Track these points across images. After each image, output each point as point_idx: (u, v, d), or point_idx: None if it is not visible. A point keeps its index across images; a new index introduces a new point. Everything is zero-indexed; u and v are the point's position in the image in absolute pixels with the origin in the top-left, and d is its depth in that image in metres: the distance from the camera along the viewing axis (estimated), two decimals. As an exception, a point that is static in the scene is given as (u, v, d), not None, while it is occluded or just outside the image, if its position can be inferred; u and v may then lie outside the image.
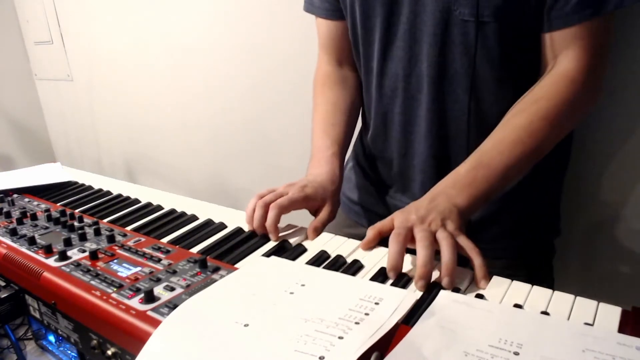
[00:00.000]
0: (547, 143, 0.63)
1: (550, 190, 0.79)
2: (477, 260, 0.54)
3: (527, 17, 0.62)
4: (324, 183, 0.73)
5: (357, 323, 0.44)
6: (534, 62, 0.66)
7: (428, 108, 0.71)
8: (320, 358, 0.39)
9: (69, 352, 0.64)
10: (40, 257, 0.63)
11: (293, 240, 0.66)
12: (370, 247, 0.62)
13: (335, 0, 0.78)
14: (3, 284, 0.66)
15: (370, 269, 0.58)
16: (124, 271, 0.59)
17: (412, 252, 0.57)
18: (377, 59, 0.74)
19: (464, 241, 0.56)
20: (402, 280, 0.54)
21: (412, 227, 0.57)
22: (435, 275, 0.55)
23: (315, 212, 0.73)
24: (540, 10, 0.62)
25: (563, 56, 0.62)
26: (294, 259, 0.61)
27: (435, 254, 0.54)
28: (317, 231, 0.69)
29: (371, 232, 0.61)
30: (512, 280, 0.53)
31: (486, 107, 0.68)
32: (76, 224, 0.74)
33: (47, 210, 0.81)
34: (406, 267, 0.57)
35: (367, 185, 0.87)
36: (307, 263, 0.59)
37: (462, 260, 0.54)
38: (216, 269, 0.57)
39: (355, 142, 0.90)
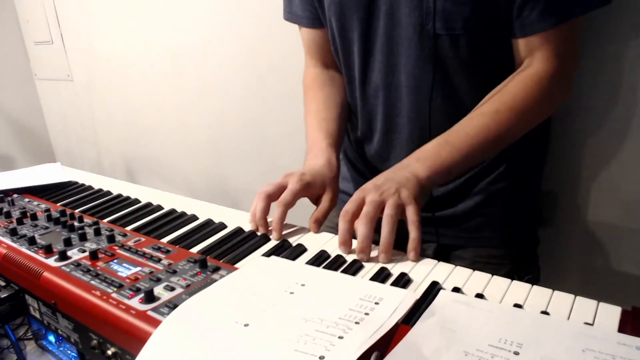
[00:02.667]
0: (512, 133, 0.67)
1: (531, 182, 0.82)
2: (412, 233, 0.57)
3: (497, 27, 0.66)
4: (321, 170, 0.74)
5: (357, 323, 0.44)
6: (509, 67, 0.69)
7: (408, 116, 0.74)
8: (320, 358, 0.39)
9: (69, 352, 0.64)
10: (40, 257, 0.63)
11: (293, 240, 0.66)
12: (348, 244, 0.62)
13: (315, 9, 0.80)
14: (3, 284, 0.66)
15: (370, 269, 0.58)
16: (124, 271, 0.59)
17: (400, 245, 0.59)
18: (357, 69, 0.77)
19: (410, 211, 0.58)
20: (402, 280, 0.54)
21: (364, 198, 0.60)
22: (427, 273, 0.55)
23: (316, 201, 0.74)
24: (509, 20, 0.65)
25: (533, 57, 0.66)
26: (294, 258, 0.61)
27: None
28: (319, 222, 0.69)
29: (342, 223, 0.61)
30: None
31: (463, 113, 0.70)
32: (76, 224, 0.74)
33: (47, 210, 0.81)
34: (405, 267, 0.57)
35: (355, 177, 0.89)
36: (307, 263, 0.59)
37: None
38: (216, 269, 0.57)
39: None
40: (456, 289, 0.52)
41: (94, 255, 0.62)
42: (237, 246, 0.65)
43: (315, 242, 0.66)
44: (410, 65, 0.70)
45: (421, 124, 0.74)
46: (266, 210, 0.68)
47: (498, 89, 0.67)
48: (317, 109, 0.83)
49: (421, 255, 0.59)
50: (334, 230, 0.70)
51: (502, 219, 0.79)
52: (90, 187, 0.94)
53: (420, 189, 0.61)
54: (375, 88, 0.76)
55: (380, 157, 0.81)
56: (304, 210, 0.73)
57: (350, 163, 0.90)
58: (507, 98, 0.66)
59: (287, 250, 0.63)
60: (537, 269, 0.83)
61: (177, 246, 0.65)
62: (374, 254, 0.59)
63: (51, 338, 0.66)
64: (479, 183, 0.76)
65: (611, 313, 0.46)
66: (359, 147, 0.86)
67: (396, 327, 0.44)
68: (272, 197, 0.68)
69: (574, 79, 0.69)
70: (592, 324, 0.44)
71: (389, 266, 0.57)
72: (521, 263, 0.78)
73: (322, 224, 0.70)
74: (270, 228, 0.68)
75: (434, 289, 0.52)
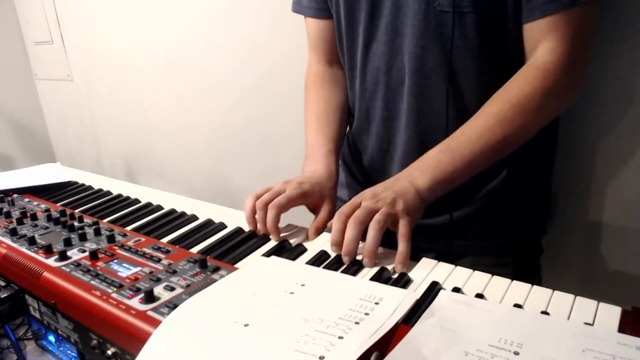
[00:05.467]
0: (518, 132, 0.63)
1: (537, 189, 0.79)
2: (401, 246, 0.57)
3: (506, 7, 0.63)
4: (320, 179, 0.73)
5: (357, 323, 0.44)
6: (514, 54, 0.66)
7: (408, 101, 0.72)
8: (320, 358, 0.39)
9: (69, 352, 0.64)
10: (40, 257, 0.63)
11: (293, 240, 0.66)
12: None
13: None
14: (3, 284, 0.66)
15: (371, 268, 0.58)
16: (124, 271, 0.59)
17: (393, 245, 0.59)
18: (360, 53, 0.75)
19: (401, 224, 0.58)
20: (402, 280, 0.54)
21: (360, 203, 0.59)
22: (427, 274, 0.55)
23: (314, 209, 0.73)
24: (519, 1, 0.62)
25: (540, 48, 0.63)
26: (294, 259, 0.61)
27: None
28: (319, 231, 0.69)
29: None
30: (500, 277, 0.54)
31: (466, 101, 0.68)
32: (76, 224, 0.74)
33: (47, 210, 0.81)
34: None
35: (353, 183, 0.88)
36: (307, 263, 0.59)
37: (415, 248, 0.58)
38: (216, 269, 0.57)
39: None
40: (456, 289, 0.52)
41: (94, 255, 0.62)
42: (237, 246, 0.65)
43: (316, 242, 0.66)
44: (413, 45, 0.67)
45: (421, 109, 0.71)
46: (255, 211, 0.68)
47: (503, 86, 0.64)
48: (318, 110, 0.83)
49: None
50: None
51: (504, 227, 0.76)
52: (90, 187, 0.94)
53: (419, 200, 0.60)
54: (376, 73, 0.74)
55: (380, 148, 0.79)
56: (305, 211, 0.73)
57: (347, 168, 0.88)
58: (511, 95, 0.62)
59: (287, 251, 0.63)
60: (539, 279, 0.80)
61: (177, 246, 0.65)
62: (360, 257, 0.59)
63: (51, 338, 0.66)
64: (481, 188, 0.73)
65: (611, 313, 0.46)
66: (356, 143, 0.84)
67: (396, 327, 0.44)
68: (265, 200, 0.68)
69: (586, 74, 0.65)
70: (592, 324, 0.44)
71: (389, 266, 0.57)
72: (522, 273, 0.75)
73: (321, 233, 0.69)
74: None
75: (434, 289, 0.52)
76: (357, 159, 0.85)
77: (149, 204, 0.82)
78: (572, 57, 0.62)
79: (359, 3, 0.71)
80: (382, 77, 0.73)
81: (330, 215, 0.73)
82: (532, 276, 0.79)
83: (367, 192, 0.61)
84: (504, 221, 0.76)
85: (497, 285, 0.52)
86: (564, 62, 0.62)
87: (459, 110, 0.69)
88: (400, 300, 0.47)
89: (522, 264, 0.77)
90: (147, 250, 0.64)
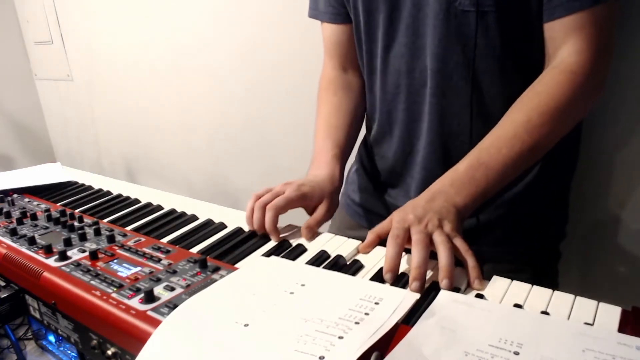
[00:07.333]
0: (547, 140, 0.62)
1: (557, 194, 0.78)
2: (470, 261, 0.54)
3: (529, 6, 0.62)
4: (322, 183, 0.73)
5: (357, 323, 0.44)
6: (537, 53, 0.65)
7: (431, 102, 0.71)
8: (320, 358, 0.39)
9: (69, 352, 0.64)
10: (40, 257, 0.63)
11: (293, 240, 0.66)
12: (369, 250, 0.62)
13: (340, 3, 0.78)
14: (3, 284, 0.66)
15: (370, 269, 0.58)
16: (124, 271, 0.59)
17: (409, 251, 0.57)
18: (380, 56, 0.74)
19: (459, 242, 0.56)
20: (402, 280, 0.54)
21: (409, 228, 0.56)
22: (430, 275, 0.55)
23: (312, 212, 0.73)
24: (539, 4, 0.61)
25: (564, 49, 0.61)
26: (293, 259, 0.61)
27: (431, 254, 0.55)
28: (311, 230, 0.68)
29: (370, 235, 0.61)
30: (500, 277, 0.53)
31: (489, 101, 0.68)
32: (76, 224, 0.74)
33: (47, 210, 0.81)
34: (405, 266, 0.57)
35: (369, 187, 0.86)
36: (307, 263, 0.59)
37: (457, 261, 0.55)
38: (216, 269, 0.57)
39: (360, 145, 0.90)
40: (456, 289, 0.52)
41: (94, 255, 0.62)
42: (237, 246, 0.65)
43: (315, 242, 0.66)
44: (435, 45, 0.66)
45: (444, 110, 0.70)
46: (263, 219, 0.67)
47: (528, 90, 0.63)
48: (329, 114, 0.82)
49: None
50: (337, 232, 0.69)
51: (522, 233, 0.75)
52: (90, 187, 0.94)
53: (460, 218, 0.59)
54: (397, 75, 0.73)
55: (403, 151, 0.77)
56: (305, 212, 0.73)
57: (365, 172, 0.87)
58: (539, 102, 0.61)
59: (287, 251, 0.63)
60: (556, 285, 0.79)
61: (177, 246, 0.65)
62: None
63: (51, 338, 0.66)
64: (504, 194, 0.71)
65: (611, 313, 0.46)
66: (376, 148, 0.83)
67: (396, 327, 0.44)
68: (264, 201, 0.68)
69: (607, 76, 0.63)
70: (592, 324, 0.44)
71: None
72: (540, 279, 0.72)
73: (314, 232, 0.69)
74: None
75: (434, 289, 0.52)
76: (377, 163, 0.84)
77: (149, 204, 0.82)
78: (597, 58, 0.60)
79: (378, 5, 0.70)
80: (404, 80, 0.72)
81: (326, 217, 0.72)
82: (551, 281, 0.78)
83: (409, 217, 0.57)
84: (523, 227, 0.75)
85: (497, 285, 0.52)
86: (591, 64, 0.60)
87: (482, 110, 0.68)
88: (400, 300, 0.47)
89: (540, 269, 0.76)
90: (147, 250, 0.64)
